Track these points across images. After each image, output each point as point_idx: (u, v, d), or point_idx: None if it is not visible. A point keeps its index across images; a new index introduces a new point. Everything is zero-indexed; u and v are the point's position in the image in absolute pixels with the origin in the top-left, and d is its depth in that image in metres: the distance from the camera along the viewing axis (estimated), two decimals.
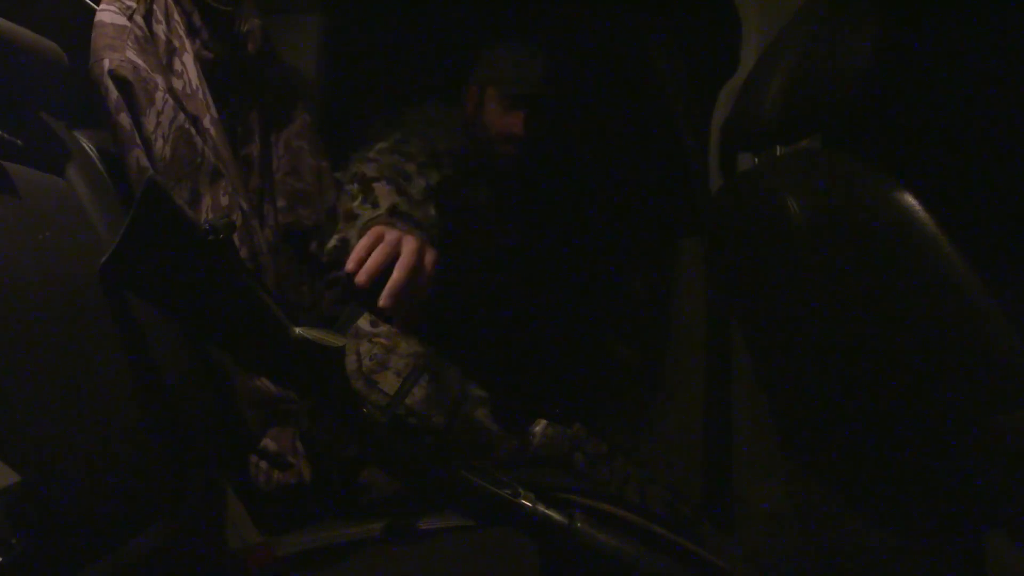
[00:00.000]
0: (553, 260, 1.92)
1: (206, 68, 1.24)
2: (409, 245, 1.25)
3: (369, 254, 1.23)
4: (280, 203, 1.37)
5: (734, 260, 1.36)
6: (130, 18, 1.14)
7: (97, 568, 0.83)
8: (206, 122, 1.19)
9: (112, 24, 1.12)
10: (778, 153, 1.24)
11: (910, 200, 0.97)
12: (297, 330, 1.01)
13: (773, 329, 1.30)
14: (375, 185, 1.39)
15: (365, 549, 1.13)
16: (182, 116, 1.15)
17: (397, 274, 1.22)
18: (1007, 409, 0.94)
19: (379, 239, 1.25)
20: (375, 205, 1.36)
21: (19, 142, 0.95)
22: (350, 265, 1.23)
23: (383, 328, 1.34)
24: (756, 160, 1.30)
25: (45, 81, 1.00)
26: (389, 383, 1.29)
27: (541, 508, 1.13)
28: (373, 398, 1.29)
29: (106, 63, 1.10)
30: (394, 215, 1.33)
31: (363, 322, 1.34)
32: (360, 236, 1.28)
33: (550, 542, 1.12)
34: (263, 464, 1.20)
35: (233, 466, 1.20)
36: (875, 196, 1.01)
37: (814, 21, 1.14)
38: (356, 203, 1.38)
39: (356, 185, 1.42)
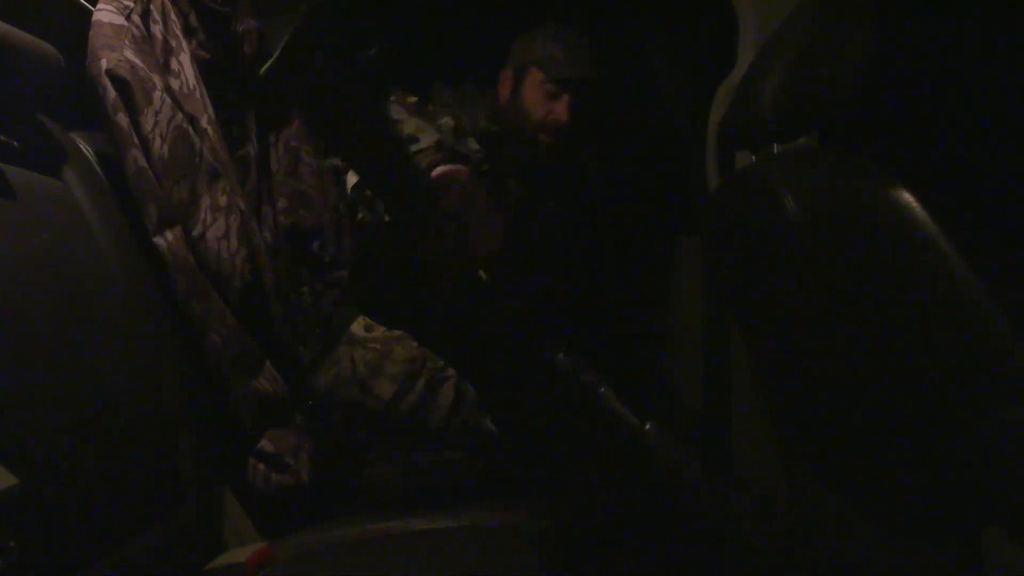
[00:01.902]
0: (554, 258, 1.92)
1: (203, 68, 1.24)
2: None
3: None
4: (281, 204, 1.37)
5: (732, 258, 1.36)
6: (128, 17, 1.13)
7: (95, 571, 0.83)
8: (204, 122, 1.19)
9: (110, 23, 1.12)
10: (775, 151, 1.24)
11: (907, 197, 0.97)
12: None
13: (771, 328, 1.30)
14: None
15: (364, 550, 1.13)
16: (180, 116, 1.15)
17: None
18: (1004, 407, 0.94)
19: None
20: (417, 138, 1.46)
21: (16, 144, 0.95)
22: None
23: (378, 333, 1.34)
24: (754, 158, 1.30)
25: (42, 83, 1.00)
26: (384, 389, 1.29)
27: (617, 405, 1.13)
28: (369, 404, 1.28)
29: (104, 62, 1.10)
30: (440, 149, 1.44)
31: (357, 327, 1.34)
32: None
33: (617, 442, 1.16)
34: (261, 466, 1.20)
35: (231, 468, 1.19)
36: (873, 194, 1.01)
37: (811, 19, 1.14)
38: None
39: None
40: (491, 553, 1.08)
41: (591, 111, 1.71)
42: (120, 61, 1.10)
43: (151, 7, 1.18)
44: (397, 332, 1.35)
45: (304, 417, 1.27)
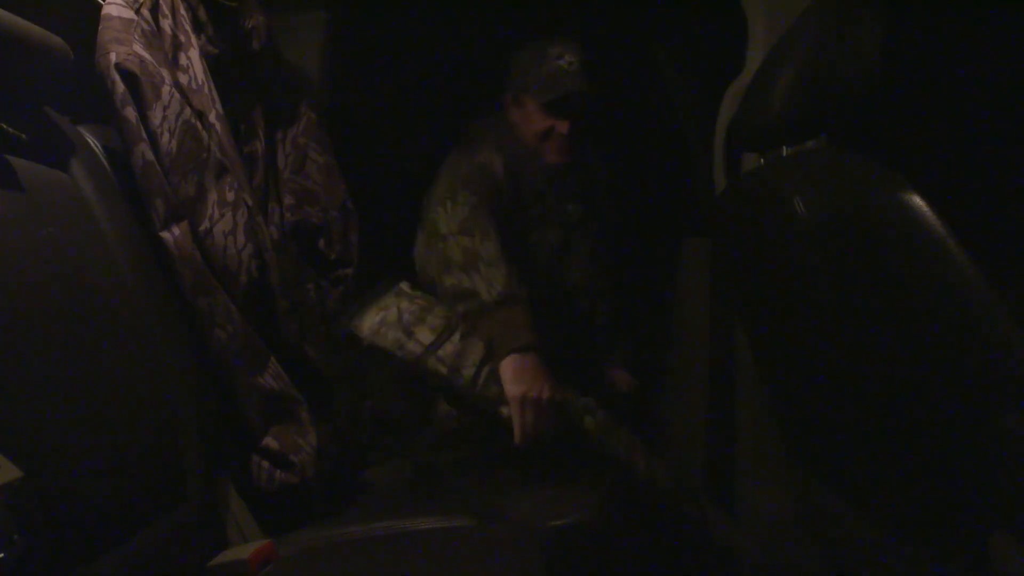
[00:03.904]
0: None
1: (211, 64, 1.24)
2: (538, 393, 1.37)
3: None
4: (287, 201, 1.37)
5: (739, 261, 1.36)
6: (137, 12, 1.13)
7: (98, 565, 0.82)
8: (212, 117, 1.19)
9: (119, 17, 1.12)
10: (784, 153, 1.24)
11: (917, 201, 0.96)
12: None
13: (777, 330, 1.30)
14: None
15: (367, 548, 1.13)
16: (188, 111, 1.15)
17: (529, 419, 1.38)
18: (1013, 411, 0.93)
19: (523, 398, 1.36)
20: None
21: (24, 137, 0.95)
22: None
23: (421, 292, 1.48)
24: (762, 160, 1.30)
25: (50, 76, 1.00)
26: (425, 335, 1.42)
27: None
28: (409, 346, 1.41)
29: (113, 56, 1.10)
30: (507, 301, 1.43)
31: (404, 284, 1.48)
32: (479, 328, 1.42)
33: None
34: (265, 463, 1.20)
35: (236, 465, 1.19)
36: (882, 197, 1.00)
37: (820, 21, 1.14)
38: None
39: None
40: (492, 553, 1.08)
41: (594, 120, 1.73)
42: (129, 55, 1.10)
43: (160, 2, 1.18)
44: None
45: (309, 414, 1.26)
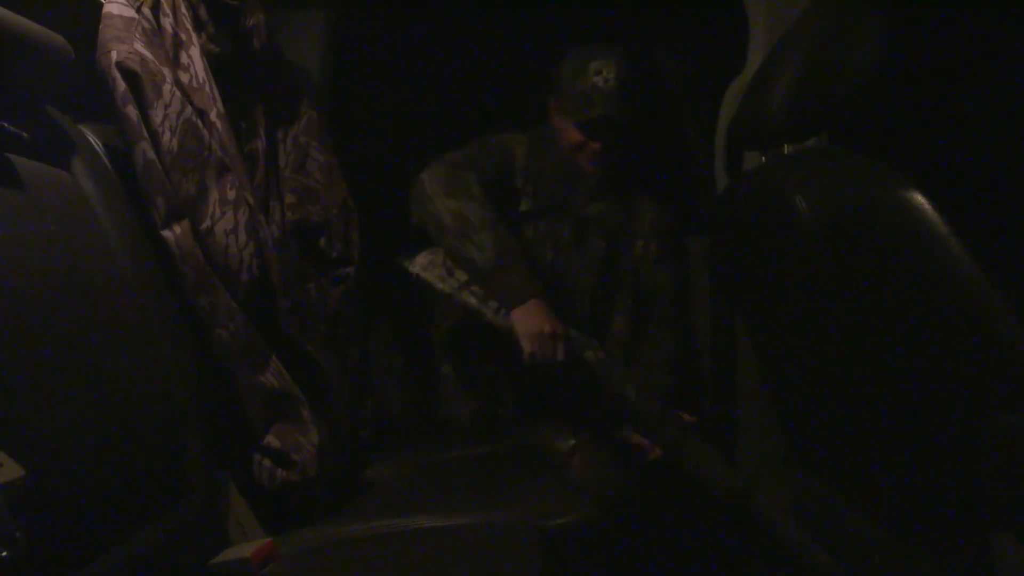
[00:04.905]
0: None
1: (212, 62, 1.24)
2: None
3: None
4: (288, 199, 1.37)
5: (740, 259, 1.36)
6: (138, 10, 1.13)
7: (100, 564, 0.82)
8: (212, 116, 1.19)
9: (120, 16, 1.12)
10: (785, 152, 1.24)
11: (918, 198, 0.96)
12: None
13: (779, 328, 1.30)
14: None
15: (368, 547, 1.13)
16: (189, 109, 1.15)
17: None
18: (1015, 410, 0.93)
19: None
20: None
21: (25, 135, 0.95)
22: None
23: None
24: (763, 159, 1.30)
25: (51, 74, 1.00)
26: (461, 276, 1.64)
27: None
28: (450, 281, 1.64)
29: (114, 55, 1.09)
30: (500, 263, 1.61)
31: None
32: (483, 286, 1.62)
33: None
34: (267, 462, 1.20)
35: (237, 463, 1.19)
36: (883, 194, 1.00)
37: (821, 20, 1.14)
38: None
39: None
40: (494, 551, 1.08)
41: (624, 137, 1.76)
42: (130, 54, 1.10)
43: (161, 0, 1.18)
44: None
45: (311, 413, 1.26)
